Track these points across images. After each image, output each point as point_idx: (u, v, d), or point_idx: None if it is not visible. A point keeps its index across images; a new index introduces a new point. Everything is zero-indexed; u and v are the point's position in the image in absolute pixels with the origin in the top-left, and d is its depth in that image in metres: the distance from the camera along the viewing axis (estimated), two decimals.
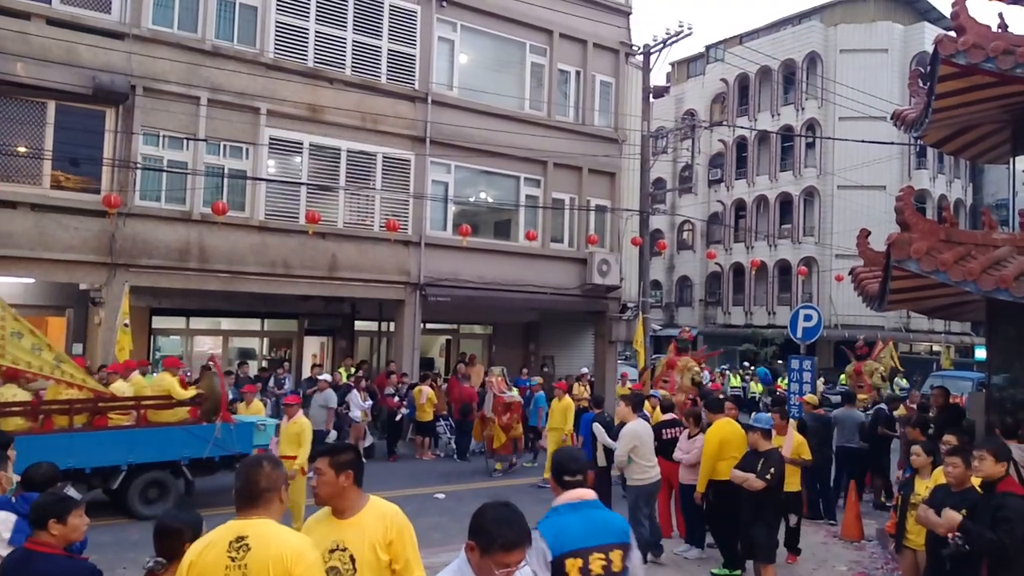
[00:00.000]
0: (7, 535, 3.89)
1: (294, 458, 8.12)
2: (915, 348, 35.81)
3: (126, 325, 11.90)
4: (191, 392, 9.84)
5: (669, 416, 9.38)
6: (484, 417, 13.20)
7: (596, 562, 3.28)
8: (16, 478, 4.52)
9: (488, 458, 13.33)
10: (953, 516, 4.57)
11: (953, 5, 6.72)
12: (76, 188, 13.12)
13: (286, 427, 8.60)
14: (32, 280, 13.63)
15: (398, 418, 14.53)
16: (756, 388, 24.67)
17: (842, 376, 18.51)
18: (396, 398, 14.59)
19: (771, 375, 25.38)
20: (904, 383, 19.47)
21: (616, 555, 3.35)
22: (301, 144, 15.05)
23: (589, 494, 3.45)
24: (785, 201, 36.09)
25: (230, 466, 9.49)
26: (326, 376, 13.55)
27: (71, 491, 3.80)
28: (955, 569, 4.67)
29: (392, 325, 17.21)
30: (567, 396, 12.67)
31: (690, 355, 14.37)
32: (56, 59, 12.53)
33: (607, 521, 3.45)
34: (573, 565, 3.22)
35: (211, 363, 10.60)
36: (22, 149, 12.68)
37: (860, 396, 13.84)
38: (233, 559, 2.64)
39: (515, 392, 13.57)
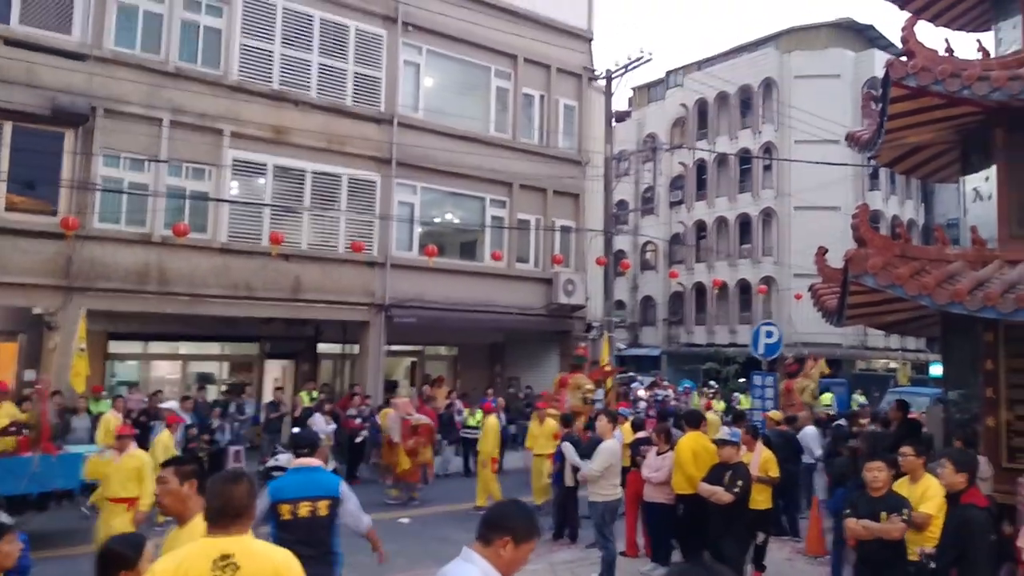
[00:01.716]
0: None
1: (134, 500, 6.97)
2: (872, 365, 36.65)
3: (82, 350, 11.53)
4: (2, 421, 8.99)
5: (643, 434, 9.45)
6: (391, 442, 12.14)
7: (304, 508, 4.65)
8: None
9: (386, 487, 12.37)
10: (896, 524, 4.74)
11: (903, 30, 7.02)
12: (32, 210, 12.80)
13: (119, 462, 7.14)
14: None
15: (358, 439, 14.22)
16: (719, 406, 24.91)
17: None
18: (359, 419, 14.35)
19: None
20: (826, 400, 19.46)
21: (323, 504, 4.72)
22: (265, 165, 14.93)
23: (313, 462, 4.95)
24: (744, 222, 36.83)
25: (46, 505, 8.52)
26: (172, 403, 11.97)
27: (2, 516, 3.68)
28: None
29: (356, 347, 17.04)
30: (549, 419, 11.88)
31: (586, 373, 14.26)
32: (14, 79, 12.29)
33: (321, 480, 4.86)
34: (285, 509, 4.61)
35: (37, 387, 9.95)
36: None
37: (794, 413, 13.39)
38: None
39: (422, 416, 12.72)
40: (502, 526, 2.68)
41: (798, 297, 21.31)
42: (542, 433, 11.82)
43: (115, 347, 15.77)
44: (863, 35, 38.57)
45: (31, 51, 12.55)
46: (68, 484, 8.59)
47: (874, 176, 35.23)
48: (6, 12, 12.46)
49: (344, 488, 4.90)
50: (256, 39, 14.84)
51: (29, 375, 13.95)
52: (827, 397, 26.60)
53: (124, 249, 13.33)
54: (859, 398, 25.09)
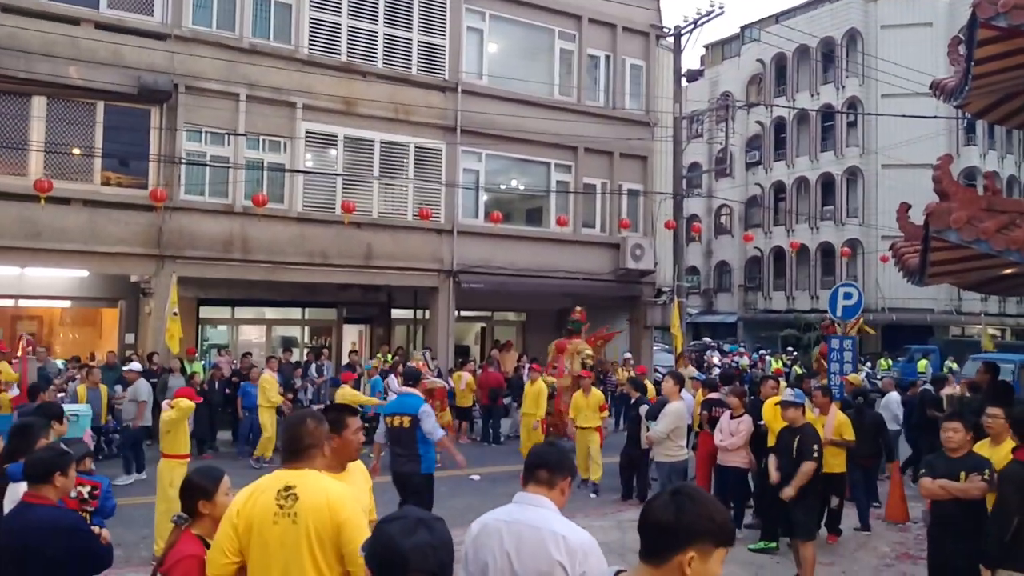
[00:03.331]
0: None
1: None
2: (968, 331, 34.77)
3: (175, 314, 12.37)
4: None
5: (715, 395, 9.34)
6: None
7: (395, 420, 6.76)
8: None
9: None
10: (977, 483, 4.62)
11: None
12: (125, 184, 13.64)
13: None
14: (86, 273, 14.23)
15: None
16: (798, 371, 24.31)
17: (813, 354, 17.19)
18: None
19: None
20: (921, 367, 18.43)
21: (407, 419, 6.66)
22: (336, 137, 15.35)
23: (411, 390, 7.04)
24: (827, 182, 35.37)
25: None
26: (135, 365, 11.62)
27: (79, 446, 4.04)
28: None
29: (427, 313, 17.47)
30: (540, 379, 12.16)
31: (583, 337, 13.98)
32: (103, 61, 13.03)
33: (409, 402, 6.82)
34: (387, 420, 6.88)
35: (23, 346, 10.45)
36: (75, 149, 13.22)
37: (823, 380, 12.45)
38: (281, 507, 2.83)
39: (437, 380, 12.73)
40: (565, 468, 2.79)
41: (884, 260, 20.31)
42: (530, 392, 11.95)
43: (206, 312, 16.71)
44: None
45: (118, 33, 13.25)
46: None
47: (970, 130, 33.14)
48: None
49: (423, 409, 6.71)
50: (324, 12, 15.16)
51: (129, 338, 15.02)
52: (923, 364, 25.62)
53: (209, 219, 14.05)
54: (951, 365, 24.01)
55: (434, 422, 6.79)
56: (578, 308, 14.53)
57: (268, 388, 12.22)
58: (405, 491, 6.82)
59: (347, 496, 2.95)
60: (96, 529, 3.94)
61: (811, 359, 16.61)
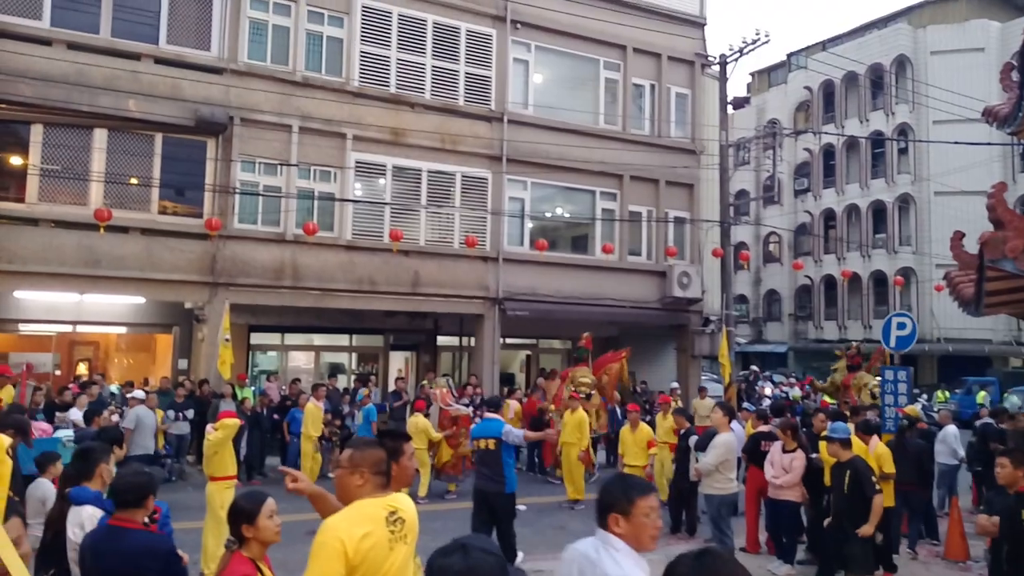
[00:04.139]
0: (91, 528, 4.01)
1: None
2: None
3: (227, 340, 12.63)
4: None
5: (765, 427, 9.14)
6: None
7: (482, 443, 7.72)
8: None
9: (437, 479, 12.07)
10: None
11: None
12: (181, 213, 14.12)
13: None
14: (142, 299, 14.70)
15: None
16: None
17: (829, 380, 16.16)
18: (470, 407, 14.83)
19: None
20: (980, 399, 17.58)
21: (492, 441, 7.61)
22: (384, 166, 15.67)
23: (494, 415, 8.07)
24: (878, 209, 34.62)
25: None
26: (138, 393, 11.58)
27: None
28: None
29: (473, 340, 17.53)
30: (581, 408, 11.94)
31: (587, 365, 13.74)
32: (162, 94, 13.58)
33: (492, 426, 7.75)
34: (476, 443, 7.92)
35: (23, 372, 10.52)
36: (134, 179, 13.77)
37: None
38: (393, 532, 2.94)
39: (460, 407, 12.67)
40: (630, 496, 2.75)
41: (939, 289, 19.68)
42: (571, 421, 11.60)
43: (256, 338, 17.08)
44: (1009, 2, 35.20)
45: (176, 68, 13.84)
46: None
47: None
48: (155, 33, 13.81)
49: (504, 430, 7.69)
50: (374, 46, 15.59)
51: (182, 364, 15.42)
52: (982, 396, 24.62)
53: (261, 247, 14.42)
54: (1013, 398, 23.04)
55: (515, 430, 7.93)
56: (584, 335, 14.41)
57: (309, 419, 12.31)
58: (483, 507, 7.58)
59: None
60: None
61: (832, 387, 15.97)
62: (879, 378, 12.52)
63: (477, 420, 10.56)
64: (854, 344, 17.00)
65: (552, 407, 13.38)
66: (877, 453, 7.89)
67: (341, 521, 2.85)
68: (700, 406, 15.18)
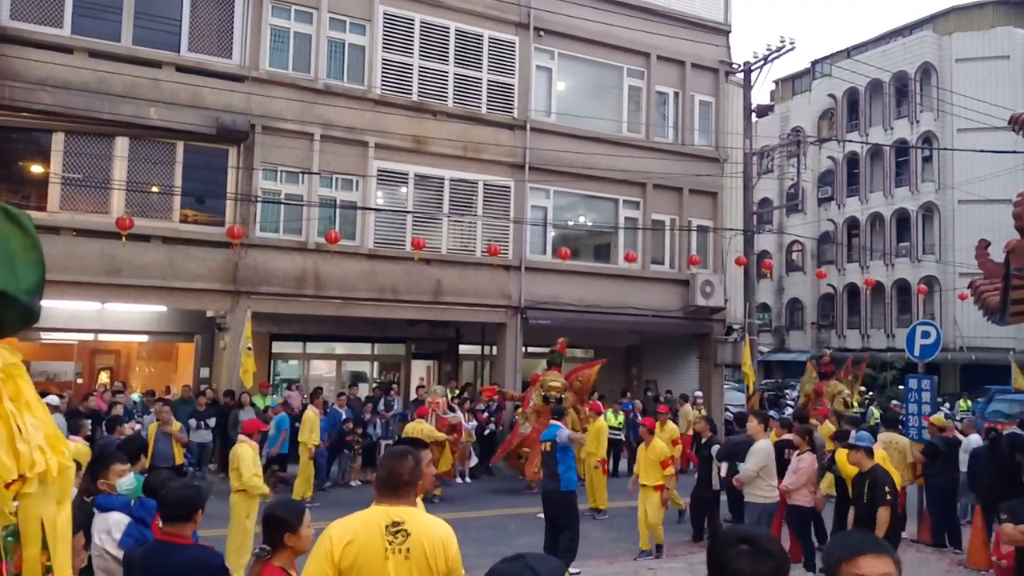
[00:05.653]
0: (118, 536, 4.10)
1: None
2: None
3: (249, 349, 12.57)
4: None
5: (789, 436, 9.03)
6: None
7: (544, 446, 8.49)
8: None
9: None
10: None
11: None
12: (203, 222, 14.09)
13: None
14: (164, 308, 14.68)
15: (486, 432, 14.86)
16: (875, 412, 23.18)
17: (801, 391, 15.84)
18: (485, 413, 14.85)
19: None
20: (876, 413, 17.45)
21: (549, 444, 8.36)
22: (407, 174, 15.58)
23: (553, 421, 8.96)
24: (902, 218, 34.16)
25: None
26: (52, 398, 10.43)
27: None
28: None
29: (495, 349, 17.36)
30: (600, 419, 12.14)
31: (559, 371, 13.55)
32: (184, 102, 13.56)
33: (551, 431, 8.53)
34: (542, 446, 8.59)
35: None
36: (155, 188, 13.76)
37: (811, 420, 11.44)
38: (391, 542, 2.84)
39: (458, 414, 13.01)
40: None
41: (962, 297, 19.33)
42: (591, 431, 11.54)
43: (278, 347, 16.99)
44: None
45: (197, 75, 13.78)
46: None
47: None
48: (176, 42, 13.80)
49: (558, 433, 8.39)
50: (396, 53, 15.53)
51: (204, 373, 15.37)
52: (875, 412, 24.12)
53: (283, 256, 14.35)
54: (874, 411, 22.72)
55: (564, 431, 8.56)
56: (560, 340, 14.20)
57: (307, 427, 11.75)
58: (547, 509, 8.36)
59: (451, 533, 3.00)
60: None
61: (804, 397, 15.80)
62: (862, 388, 12.52)
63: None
64: (827, 352, 16.87)
65: (520, 410, 13.52)
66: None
67: (338, 523, 2.94)
68: (687, 412, 15.08)
